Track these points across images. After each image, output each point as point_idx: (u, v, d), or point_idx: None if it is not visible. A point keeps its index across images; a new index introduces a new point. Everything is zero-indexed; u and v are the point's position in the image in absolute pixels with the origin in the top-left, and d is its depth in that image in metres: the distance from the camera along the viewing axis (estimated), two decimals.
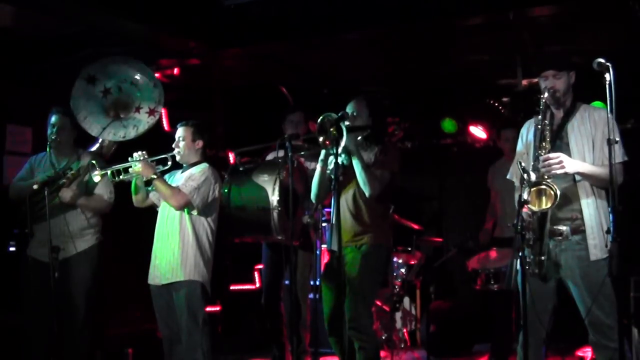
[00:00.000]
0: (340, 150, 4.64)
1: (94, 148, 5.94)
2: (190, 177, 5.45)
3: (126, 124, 5.75)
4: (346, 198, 5.09)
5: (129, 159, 5.40)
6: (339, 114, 4.71)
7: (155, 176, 5.36)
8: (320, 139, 4.76)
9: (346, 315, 4.94)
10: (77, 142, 5.84)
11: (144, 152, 5.39)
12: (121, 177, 5.48)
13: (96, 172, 5.43)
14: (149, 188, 5.55)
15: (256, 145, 6.03)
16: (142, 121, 5.79)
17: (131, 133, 5.76)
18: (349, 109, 5.14)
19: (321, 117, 4.74)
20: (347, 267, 5.04)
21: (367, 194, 4.98)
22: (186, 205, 5.37)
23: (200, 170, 5.49)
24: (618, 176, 4.12)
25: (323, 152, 4.98)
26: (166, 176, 5.59)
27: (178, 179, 5.57)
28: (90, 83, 5.67)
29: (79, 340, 5.66)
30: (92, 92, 5.68)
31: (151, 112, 5.78)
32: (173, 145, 5.56)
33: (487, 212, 7.27)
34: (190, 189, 5.36)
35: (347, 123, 4.77)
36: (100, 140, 5.87)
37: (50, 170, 5.56)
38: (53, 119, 5.67)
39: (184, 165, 5.62)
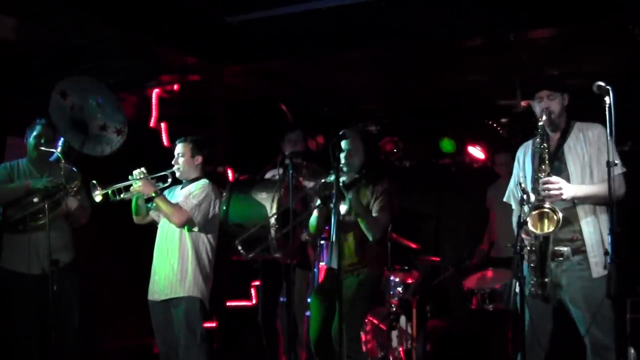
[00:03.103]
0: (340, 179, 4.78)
1: (57, 151, 5.86)
2: (191, 194, 5.44)
3: (100, 140, 5.81)
4: (347, 237, 5.27)
5: (129, 177, 5.41)
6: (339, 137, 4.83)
7: (155, 194, 5.36)
8: (326, 202, 5.00)
9: (332, 336, 5.09)
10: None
11: (143, 170, 5.40)
12: (122, 195, 5.48)
13: (97, 192, 5.42)
14: (149, 205, 5.55)
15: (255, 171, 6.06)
16: (113, 140, 5.90)
17: (107, 149, 5.87)
18: (344, 147, 5.31)
19: (319, 189, 5.03)
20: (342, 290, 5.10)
21: (370, 239, 5.18)
22: (187, 223, 5.37)
23: (200, 187, 5.49)
24: (620, 188, 4.21)
25: (319, 201, 5.17)
26: (165, 192, 5.59)
27: (178, 195, 5.57)
28: (62, 97, 5.74)
29: (73, 351, 5.63)
30: (64, 106, 5.74)
31: (119, 132, 5.92)
32: (172, 162, 5.56)
33: (486, 232, 7.29)
34: (191, 206, 5.36)
35: (343, 179, 5.03)
36: (59, 144, 5.84)
37: (43, 180, 5.52)
38: (37, 129, 5.61)
39: (184, 181, 5.63)
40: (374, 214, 5.25)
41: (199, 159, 5.60)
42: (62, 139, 5.70)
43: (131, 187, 5.42)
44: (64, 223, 5.65)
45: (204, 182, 5.56)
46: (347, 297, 5.04)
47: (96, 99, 5.92)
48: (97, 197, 5.45)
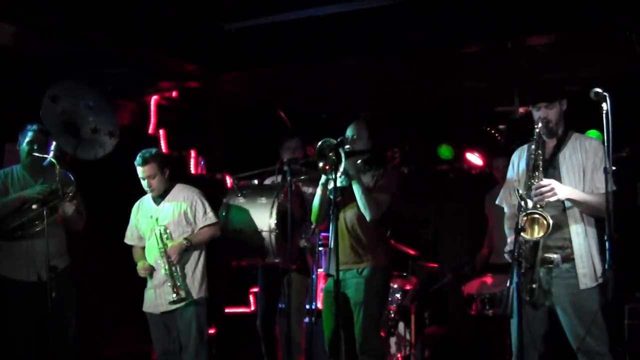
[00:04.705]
0: (339, 174, 4.68)
1: (50, 156, 5.82)
2: (195, 210, 5.51)
3: (93, 144, 5.80)
4: (346, 220, 5.14)
5: (162, 270, 5.39)
6: (338, 140, 4.73)
7: (188, 244, 5.41)
8: (320, 164, 4.78)
9: (357, 340, 5.06)
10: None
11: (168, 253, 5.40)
12: (175, 278, 5.40)
13: (173, 297, 5.36)
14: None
15: (255, 170, 6.04)
16: (106, 142, 5.92)
17: (100, 153, 5.88)
18: (349, 132, 5.19)
19: (320, 142, 4.76)
20: (352, 293, 5.11)
21: (367, 218, 5.02)
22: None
23: (191, 197, 5.55)
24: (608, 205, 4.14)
25: (323, 176, 4.97)
26: (141, 209, 5.64)
27: (162, 209, 5.56)
28: (53, 102, 5.72)
29: (71, 358, 5.62)
30: (55, 110, 5.73)
31: (111, 135, 5.95)
32: (145, 187, 5.51)
33: (485, 238, 7.30)
34: (213, 218, 5.52)
35: (347, 147, 4.82)
36: (52, 148, 5.77)
37: (37, 188, 5.49)
38: (30, 135, 5.54)
39: (154, 197, 5.60)
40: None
41: (167, 171, 5.57)
42: (53, 143, 5.60)
43: (174, 270, 5.38)
44: (60, 230, 5.62)
45: (185, 190, 5.63)
46: (360, 301, 5.07)
47: (87, 102, 5.90)
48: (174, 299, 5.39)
